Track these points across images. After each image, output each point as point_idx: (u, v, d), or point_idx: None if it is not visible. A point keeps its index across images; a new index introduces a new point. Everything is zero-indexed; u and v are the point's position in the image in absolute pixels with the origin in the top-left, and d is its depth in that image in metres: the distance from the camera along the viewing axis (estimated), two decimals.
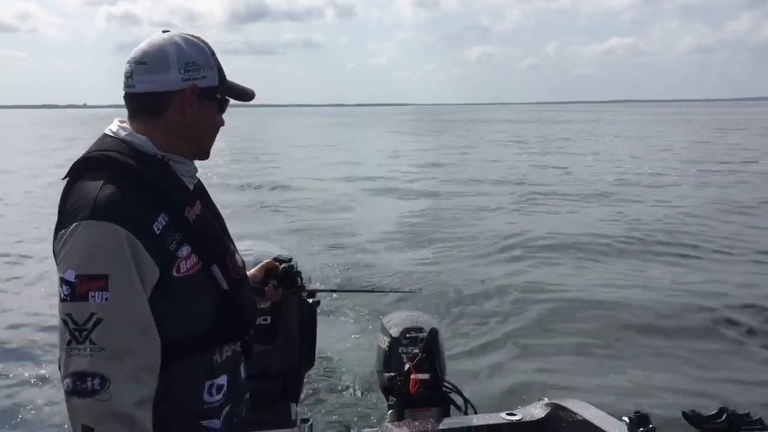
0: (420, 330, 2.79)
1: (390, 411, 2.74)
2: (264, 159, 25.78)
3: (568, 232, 9.89)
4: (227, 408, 1.45)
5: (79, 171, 1.35)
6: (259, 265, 1.91)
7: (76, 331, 1.19)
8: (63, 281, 1.21)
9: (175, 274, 1.32)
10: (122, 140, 1.38)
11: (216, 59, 1.46)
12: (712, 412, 1.69)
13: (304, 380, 3.05)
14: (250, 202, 14.33)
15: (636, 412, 1.88)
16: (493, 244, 9.48)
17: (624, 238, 9.54)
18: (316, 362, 3.04)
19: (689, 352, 5.42)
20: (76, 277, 1.20)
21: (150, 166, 1.36)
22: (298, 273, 2.03)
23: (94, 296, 1.19)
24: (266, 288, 1.89)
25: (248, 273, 1.83)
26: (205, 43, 1.46)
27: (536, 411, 2.24)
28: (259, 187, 17.14)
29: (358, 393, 4.67)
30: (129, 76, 1.40)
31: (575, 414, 2.14)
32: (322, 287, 2.68)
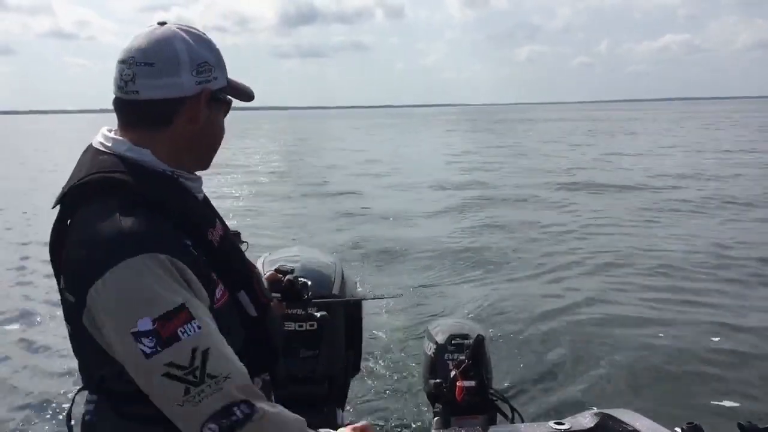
0: (466, 337, 2.78)
1: (436, 418, 2.73)
2: (317, 161, 26.05)
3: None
4: None
5: (76, 199, 1.16)
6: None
7: (189, 375, 1.02)
8: (139, 335, 1.02)
9: (214, 305, 1.17)
10: (121, 156, 1.19)
11: (221, 55, 1.29)
12: None
13: (349, 385, 3.07)
14: (296, 205, 14.51)
15: (689, 423, 1.83)
16: (546, 249, 9.35)
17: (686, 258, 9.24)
18: (361, 368, 3.06)
19: (747, 360, 5.24)
20: (154, 321, 1.02)
21: (161, 186, 1.19)
22: (305, 285, 1.92)
23: (185, 330, 1.03)
24: (272, 303, 1.83)
25: None
26: (209, 37, 1.29)
27: (585, 420, 2.20)
28: (311, 189, 17.33)
29: (404, 399, 4.66)
30: (130, 80, 1.18)
31: (626, 424, 2.09)
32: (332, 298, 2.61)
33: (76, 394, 1.27)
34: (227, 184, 18.33)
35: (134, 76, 1.18)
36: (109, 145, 1.21)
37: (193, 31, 1.26)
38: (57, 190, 1.22)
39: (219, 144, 1.33)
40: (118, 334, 1.04)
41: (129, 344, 1.03)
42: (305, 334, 2.56)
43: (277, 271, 1.88)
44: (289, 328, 2.45)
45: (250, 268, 1.35)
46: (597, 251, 9.14)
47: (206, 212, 1.28)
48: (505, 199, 14.58)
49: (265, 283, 1.42)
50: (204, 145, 1.29)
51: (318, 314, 2.14)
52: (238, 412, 1.04)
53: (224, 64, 1.29)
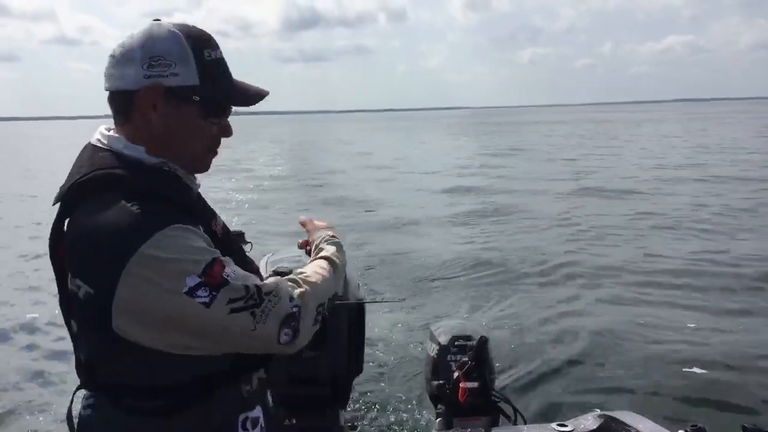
0: (469, 338, 2.77)
1: (438, 419, 2.73)
2: (320, 164, 26.04)
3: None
4: None
5: (76, 198, 1.16)
6: None
7: (250, 300, 1.10)
8: (191, 291, 1.06)
9: None
10: (119, 153, 1.19)
11: (204, 53, 1.21)
12: None
13: (352, 387, 3.07)
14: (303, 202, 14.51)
15: (693, 425, 1.83)
16: (550, 253, 9.33)
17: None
18: (364, 368, 3.06)
19: (751, 362, 5.22)
20: (200, 275, 1.07)
21: (161, 182, 1.18)
22: None
23: (228, 273, 1.10)
24: None
25: None
26: (193, 34, 1.21)
27: (588, 422, 2.20)
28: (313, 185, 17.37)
29: (406, 400, 4.66)
30: (105, 72, 1.22)
31: (628, 426, 2.09)
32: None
33: (75, 392, 1.27)
34: (231, 187, 18.35)
35: (106, 66, 1.22)
36: (106, 142, 1.21)
37: (171, 27, 1.20)
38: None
39: (198, 145, 1.26)
40: (170, 302, 1.06)
41: (185, 303, 1.06)
42: None
43: (275, 272, 1.87)
44: None
45: (251, 264, 1.35)
46: (601, 255, 9.11)
47: (206, 206, 1.30)
48: (509, 203, 14.54)
49: None
50: (175, 145, 1.22)
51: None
52: (296, 310, 1.16)
53: (197, 59, 1.19)
